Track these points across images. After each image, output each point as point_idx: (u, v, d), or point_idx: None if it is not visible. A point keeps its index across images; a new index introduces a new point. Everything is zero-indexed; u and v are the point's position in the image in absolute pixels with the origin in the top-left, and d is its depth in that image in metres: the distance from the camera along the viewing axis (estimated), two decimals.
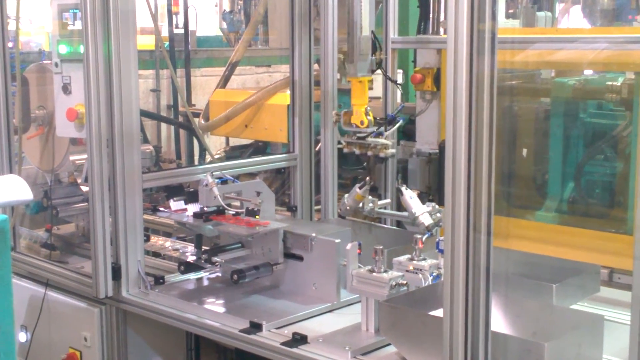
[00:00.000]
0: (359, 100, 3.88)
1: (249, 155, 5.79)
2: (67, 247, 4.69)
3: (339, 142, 4.17)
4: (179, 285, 3.84)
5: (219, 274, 3.92)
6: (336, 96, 4.60)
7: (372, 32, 3.85)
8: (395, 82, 4.66)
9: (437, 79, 5.12)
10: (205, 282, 3.89)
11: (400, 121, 4.01)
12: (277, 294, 3.64)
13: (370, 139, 3.89)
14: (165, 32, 8.79)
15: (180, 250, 4.53)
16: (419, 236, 3.29)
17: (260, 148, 5.84)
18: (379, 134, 3.91)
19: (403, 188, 3.87)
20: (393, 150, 3.98)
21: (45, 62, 4.67)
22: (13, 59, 4.43)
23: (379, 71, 3.96)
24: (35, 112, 4.52)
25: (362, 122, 3.86)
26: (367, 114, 3.86)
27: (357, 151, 3.95)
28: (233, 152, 6.14)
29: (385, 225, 4.43)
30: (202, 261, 3.80)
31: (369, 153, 3.95)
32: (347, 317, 3.38)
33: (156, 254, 4.53)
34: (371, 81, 3.95)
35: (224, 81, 6.28)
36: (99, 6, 3.58)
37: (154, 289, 3.77)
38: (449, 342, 2.56)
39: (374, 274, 3.12)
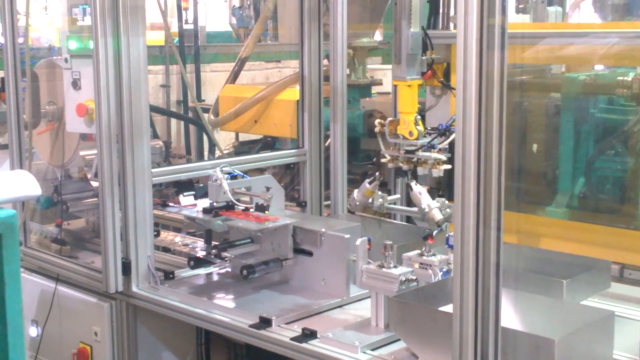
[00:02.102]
0: (408, 107, 3.36)
1: (258, 150, 5.79)
2: (77, 242, 4.70)
3: (383, 156, 3.66)
4: (189, 281, 3.85)
5: (229, 269, 3.93)
6: (345, 92, 4.59)
7: (422, 27, 3.38)
8: (449, 86, 4.20)
9: (447, 74, 5.10)
10: (215, 277, 3.90)
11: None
12: (287, 289, 3.64)
13: (420, 153, 3.37)
14: (174, 28, 8.80)
15: (190, 246, 4.54)
16: (428, 231, 3.28)
17: (269, 143, 5.84)
18: (430, 147, 3.38)
19: (413, 183, 3.63)
20: (448, 166, 3.41)
21: (55, 57, 4.68)
22: (23, 54, 4.43)
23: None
24: (46, 108, 4.54)
25: (410, 134, 3.35)
26: (416, 123, 3.34)
27: (404, 167, 3.43)
28: (241, 148, 6.14)
29: (394, 221, 4.43)
30: (212, 256, 3.80)
31: (420, 169, 3.42)
32: (357, 313, 3.38)
33: (166, 249, 4.54)
34: (421, 85, 3.47)
35: (234, 77, 6.28)
36: (109, 2, 3.59)
37: (164, 284, 3.78)
38: (458, 337, 2.55)
39: (384, 269, 3.12)
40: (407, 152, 3.39)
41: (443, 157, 3.35)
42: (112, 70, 3.64)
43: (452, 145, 3.26)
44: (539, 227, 4.49)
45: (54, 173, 4.71)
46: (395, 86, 3.76)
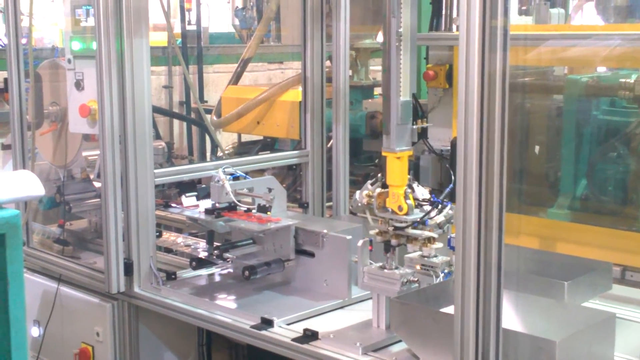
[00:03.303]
0: (397, 180, 3.11)
1: (257, 151, 5.79)
2: (79, 242, 4.71)
3: (367, 167, 3.49)
4: (191, 281, 3.85)
5: (231, 270, 3.93)
6: (348, 93, 4.60)
7: (414, 95, 3.13)
8: (441, 155, 3.90)
9: (450, 76, 5.11)
10: (217, 278, 3.90)
11: (449, 205, 3.12)
12: (289, 290, 3.64)
13: (410, 230, 3.09)
14: (177, 29, 8.81)
15: (192, 246, 4.55)
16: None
17: (269, 144, 5.85)
18: (421, 223, 3.10)
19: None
20: (440, 245, 3.15)
21: (58, 58, 4.69)
22: (26, 55, 4.44)
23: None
24: (49, 109, 4.54)
25: (400, 208, 3.09)
26: (406, 197, 3.09)
27: (394, 242, 3.14)
28: (241, 148, 6.16)
29: None
30: (214, 257, 3.81)
31: (409, 247, 3.14)
32: (358, 314, 3.38)
33: (168, 250, 4.54)
34: (411, 156, 3.19)
35: (236, 78, 6.29)
36: (112, 3, 3.59)
37: (166, 284, 3.78)
38: (460, 339, 2.56)
39: (385, 270, 3.12)
40: (396, 228, 3.13)
41: (435, 234, 3.09)
42: (115, 71, 3.64)
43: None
44: (540, 229, 4.49)
45: (57, 173, 4.71)
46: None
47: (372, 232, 3.22)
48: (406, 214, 3.09)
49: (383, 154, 3.15)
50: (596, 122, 4.65)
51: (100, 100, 3.67)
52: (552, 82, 5.04)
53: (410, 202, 3.10)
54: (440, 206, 3.10)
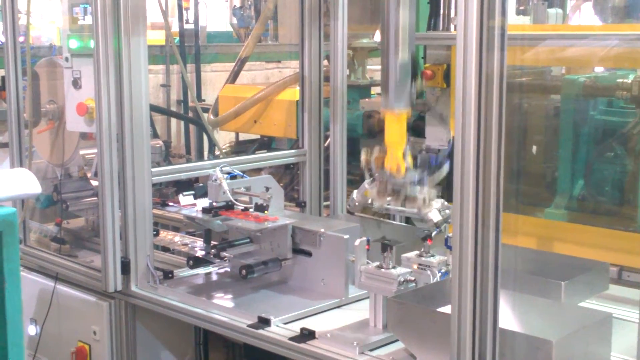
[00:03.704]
0: (396, 140, 3.10)
1: (254, 150, 5.79)
2: (76, 241, 4.70)
3: (369, 203, 3.42)
4: (188, 280, 3.85)
5: (228, 269, 3.93)
6: (345, 92, 4.60)
7: (413, 55, 3.11)
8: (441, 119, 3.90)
9: (447, 76, 5.10)
10: (214, 277, 3.90)
11: (447, 164, 3.16)
12: (286, 290, 3.65)
13: (409, 190, 3.13)
14: (175, 28, 8.81)
15: (189, 245, 4.54)
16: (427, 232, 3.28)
17: (266, 143, 5.85)
18: (420, 183, 3.13)
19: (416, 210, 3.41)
20: (437, 206, 3.16)
21: (55, 56, 4.68)
22: (24, 53, 4.44)
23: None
24: (46, 107, 4.54)
25: (398, 168, 3.11)
26: (405, 157, 3.09)
27: (392, 206, 3.17)
28: (239, 147, 6.15)
29: (394, 222, 4.43)
30: (211, 256, 3.81)
31: (406, 208, 3.17)
32: (355, 313, 3.38)
33: (165, 249, 4.54)
34: (409, 116, 3.17)
35: (234, 76, 6.28)
36: (110, 1, 3.59)
37: (163, 283, 3.78)
38: (456, 338, 2.56)
39: (383, 270, 3.13)
40: (394, 189, 3.13)
41: (434, 192, 3.12)
42: (112, 69, 3.64)
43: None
44: (537, 228, 4.49)
45: (54, 172, 4.71)
46: None
47: (370, 189, 3.22)
48: (404, 175, 3.07)
49: (381, 113, 3.12)
50: (593, 122, 4.65)
51: (98, 98, 3.67)
52: (549, 82, 5.04)
53: (409, 161, 3.08)
54: (438, 165, 3.12)
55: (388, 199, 3.16)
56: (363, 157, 3.22)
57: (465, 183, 2.47)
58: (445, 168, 3.13)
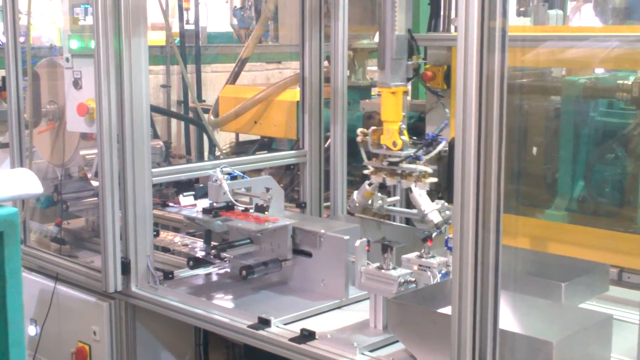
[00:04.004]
0: (392, 115, 3.12)
1: (254, 151, 5.79)
2: (77, 241, 4.71)
3: (365, 168, 3.45)
4: (188, 281, 3.85)
5: (228, 270, 3.93)
6: (346, 93, 4.60)
7: (409, 30, 3.12)
8: (437, 93, 4.02)
9: (448, 77, 5.10)
10: (214, 278, 3.90)
11: (443, 142, 3.18)
12: (286, 290, 3.65)
13: (404, 165, 3.15)
14: (176, 28, 8.81)
15: (190, 246, 4.54)
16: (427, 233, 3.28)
17: (266, 144, 5.85)
18: (415, 159, 3.14)
19: (412, 185, 3.54)
20: (434, 179, 3.22)
21: (56, 57, 4.68)
22: (24, 53, 4.44)
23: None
24: (46, 107, 4.54)
25: (394, 144, 3.13)
26: (401, 133, 3.11)
27: (388, 180, 3.21)
28: (239, 148, 6.15)
29: (394, 223, 4.43)
30: (211, 257, 3.81)
31: (403, 182, 3.20)
32: (356, 314, 3.38)
33: (165, 249, 4.54)
34: (406, 92, 3.19)
35: (234, 77, 6.28)
36: (110, 2, 3.59)
37: (163, 283, 3.78)
38: (457, 339, 2.56)
39: (383, 271, 3.13)
40: (391, 163, 3.16)
41: (429, 169, 3.14)
42: (113, 70, 3.64)
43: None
44: (538, 230, 4.49)
45: (54, 172, 4.71)
46: None
47: (366, 172, 3.24)
48: (401, 150, 3.08)
49: (378, 89, 3.14)
50: (594, 123, 4.65)
51: (98, 99, 3.67)
52: (550, 84, 5.04)
53: (405, 137, 3.09)
54: (434, 143, 3.13)
55: (383, 175, 3.19)
56: (359, 137, 3.24)
57: (466, 184, 2.47)
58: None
